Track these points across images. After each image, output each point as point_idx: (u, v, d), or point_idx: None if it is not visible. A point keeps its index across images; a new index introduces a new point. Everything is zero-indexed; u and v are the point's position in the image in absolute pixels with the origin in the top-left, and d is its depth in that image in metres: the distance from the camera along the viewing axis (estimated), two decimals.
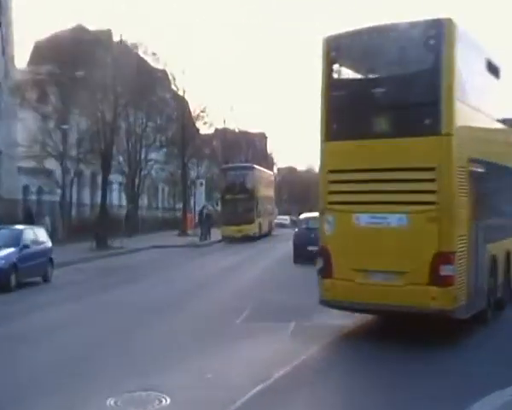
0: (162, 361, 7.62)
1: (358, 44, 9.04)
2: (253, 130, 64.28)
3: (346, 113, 8.76)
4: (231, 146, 55.86)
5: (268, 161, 68.58)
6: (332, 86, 8.85)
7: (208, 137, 50.62)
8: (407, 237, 8.08)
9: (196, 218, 34.53)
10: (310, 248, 20.59)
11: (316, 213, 31.11)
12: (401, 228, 8.10)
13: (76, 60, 25.61)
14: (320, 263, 8.79)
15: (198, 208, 34.63)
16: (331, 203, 8.72)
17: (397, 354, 7.82)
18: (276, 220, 52.71)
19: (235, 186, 34.74)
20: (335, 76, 9.09)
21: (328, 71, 8.88)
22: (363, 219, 8.35)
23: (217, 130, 53.32)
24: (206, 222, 33.54)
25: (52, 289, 14.91)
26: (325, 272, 8.69)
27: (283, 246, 28.58)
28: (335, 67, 9.08)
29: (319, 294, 8.97)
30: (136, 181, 43.19)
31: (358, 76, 9.58)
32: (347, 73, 9.50)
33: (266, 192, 40.07)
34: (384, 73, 9.10)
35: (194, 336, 9.15)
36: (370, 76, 9.48)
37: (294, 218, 57.97)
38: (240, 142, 57.98)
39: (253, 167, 37.38)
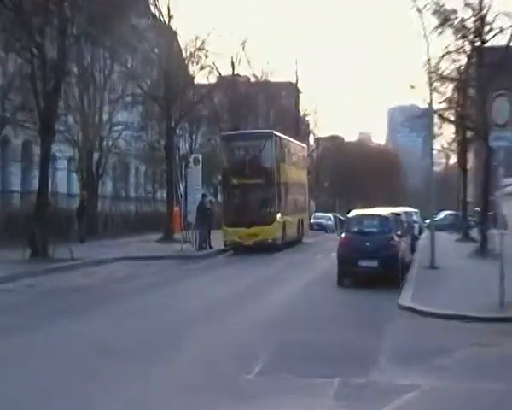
0: None
1: None
2: (278, 79, 64.04)
3: None
4: (243, 103, 55.66)
5: (300, 127, 68.53)
6: None
7: (208, 89, 50.55)
8: None
9: (189, 214, 34.21)
10: (364, 263, 20.30)
11: (376, 209, 30.56)
12: None
13: None
14: None
15: (193, 200, 34.28)
16: None
17: None
18: (311, 219, 52.72)
19: (244, 165, 34.49)
20: None
21: None
22: None
23: (221, 78, 53.32)
24: (206, 220, 33.55)
25: None
26: None
27: (322, 260, 28.51)
28: None
29: None
30: (95, 156, 43.41)
31: None
32: None
33: (295, 175, 40.00)
34: None
35: (178, 403, 8.94)
36: None
37: (341, 216, 58.07)
38: (257, 97, 57.88)
39: (274, 135, 36.27)
